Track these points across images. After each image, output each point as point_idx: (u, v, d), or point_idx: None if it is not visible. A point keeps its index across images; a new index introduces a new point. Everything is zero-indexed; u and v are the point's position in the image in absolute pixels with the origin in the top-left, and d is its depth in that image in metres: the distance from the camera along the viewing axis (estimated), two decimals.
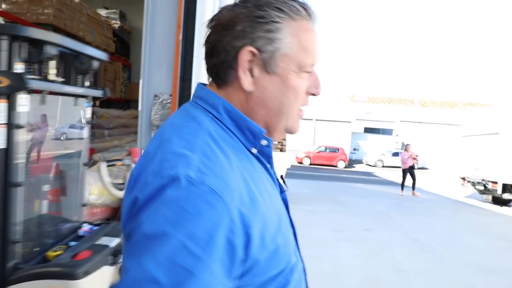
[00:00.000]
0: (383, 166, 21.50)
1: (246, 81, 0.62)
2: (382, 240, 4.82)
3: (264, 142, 0.65)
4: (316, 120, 22.68)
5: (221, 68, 0.63)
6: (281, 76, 0.63)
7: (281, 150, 7.28)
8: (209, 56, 0.65)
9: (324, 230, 5.16)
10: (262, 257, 0.57)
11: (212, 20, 0.65)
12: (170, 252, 0.50)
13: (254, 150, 0.65)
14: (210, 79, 0.67)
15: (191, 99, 0.68)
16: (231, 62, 0.62)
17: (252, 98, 0.63)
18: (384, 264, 3.90)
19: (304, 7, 0.64)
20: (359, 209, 7.25)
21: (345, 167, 20.25)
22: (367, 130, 24.33)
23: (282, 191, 0.72)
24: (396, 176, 17.95)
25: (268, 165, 0.69)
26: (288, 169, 8.51)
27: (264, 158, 0.67)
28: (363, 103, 26.08)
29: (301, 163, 20.25)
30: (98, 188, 3.29)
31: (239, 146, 0.63)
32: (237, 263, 0.54)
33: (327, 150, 20.63)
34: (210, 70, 0.66)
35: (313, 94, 0.68)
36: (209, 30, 0.65)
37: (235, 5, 0.64)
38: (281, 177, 0.81)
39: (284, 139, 7.51)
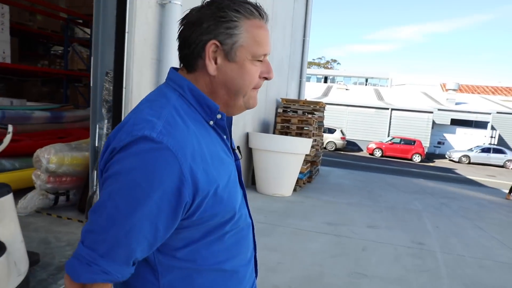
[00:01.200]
0: (469, 163, 18.83)
1: (211, 67, 0.79)
2: (374, 239, 4.18)
3: (218, 116, 0.82)
4: (392, 109, 20.74)
5: (191, 57, 0.80)
6: (238, 63, 0.80)
7: (304, 135, 6.84)
8: (181, 48, 0.82)
9: (317, 221, 4.70)
10: (208, 205, 0.75)
11: (183, 18, 0.82)
12: (129, 186, 0.68)
13: (211, 122, 0.82)
14: (181, 65, 0.84)
15: (165, 81, 0.86)
16: (200, 53, 0.79)
17: (215, 80, 0.81)
18: (343, 265, 3.35)
19: (257, 9, 0.82)
20: (389, 205, 6.45)
21: (421, 161, 18.24)
22: (455, 122, 21.39)
23: (236, 159, 0.91)
24: (481, 175, 15.69)
25: (224, 136, 0.85)
26: (322, 155, 8.01)
27: (220, 129, 0.84)
28: (453, 92, 22.99)
29: (372, 154, 18.88)
30: (57, 158, 3.51)
31: (199, 118, 0.80)
32: (184, 207, 0.71)
33: (402, 142, 18.78)
34: (182, 59, 0.83)
35: (266, 78, 0.88)
36: (181, 27, 0.82)
37: (201, 7, 0.80)
38: (238, 147, 0.95)
39: (317, 125, 7.05)
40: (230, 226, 0.82)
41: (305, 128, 7.08)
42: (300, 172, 6.69)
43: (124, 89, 3.05)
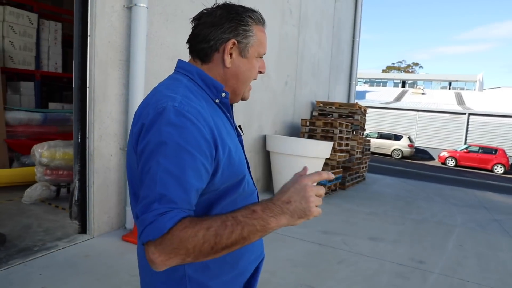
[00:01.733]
0: None
1: (227, 60, 0.95)
2: (364, 253, 3.69)
3: (223, 94, 0.97)
4: (470, 114, 18.34)
5: (209, 50, 0.95)
6: (248, 59, 0.98)
7: (328, 138, 6.41)
8: (199, 42, 0.96)
9: (313, 229, 4.34)
10: (225, 165, 0.87)
11: (199, 18, 0.98)
12: (173, 150, 0.77)
13: (217, 101, 0.96)
14: (191, 56, 1.00)
15: (174, 71, 1.01)
16: (218, 47, 0.95)
17: (229, 72, 0.97)
18: (300, 276, 3.01)
19: (261, 17, 1.00)
20: (420, 217, 5.69)
21: (504, 173, 15.78)
22: None
23: (239, 135, 1.05)
24: None
25: (228, 114, 1.00)
26: (367, 161, 7.45)
27: (224, 107, 0.99)
28: None
29: (444, 163, 16.93)
30: (49, 152, 3.85)
31: (207, 97, 0.94)
32: (212, 159, 0.83)
33: (480, 151, 16.53)
34: (198, 52, 0.97)
35: (261, 72, 1.04)
36: (198, 23, 0.97)
37: (217, 9, 0.97)
38: (239, 126, 1.10)
39: (346, 129, 6.56)
40: (241, 189, 0.95)
41: (329, 131, 6.66)
42: None
43: (88, 89, 3.23)
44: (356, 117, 7.75)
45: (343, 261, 3.45)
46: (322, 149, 5.82)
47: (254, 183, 1.06)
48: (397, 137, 17.75)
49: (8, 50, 5.93)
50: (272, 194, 5.40)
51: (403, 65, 51.06)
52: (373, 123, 20.51)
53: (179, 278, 0.90)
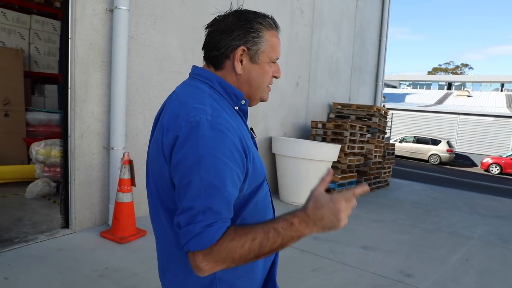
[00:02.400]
0: None
1: (238, 67, 0.97)
2: (347, 262, 3.44)
3: (242, 102, 1.01)
4: None
5: (220, 58, 0.98)
6: (260, 65, 0.99)
7: (338, 141, 6.10)
8: (210, 49, 0.99)
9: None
10: (251, 170, 0.91)
11: (211, 25, 1.00)
12: (212, 163, 0.81)
13: (236, 108, 1.00)
14: (206, 63, 1.03)
15: (189, 77, 1.03)
16: (229, 54, 0.97)
17: (241, 78, 0.99)
18: None
19: (274, 22, 1.01)
20: (433, 227, 5.24)
21: None
22: None
23: (252, 138, 1.07)
24: None
25: (244, 119, 1.03)
26: (391, 166, 7.03)
27: (242, 113, 1.02)
28: None
29: (487, 170, 15.59)
30: (45, 150, 4.03)
31: (227, 104, 0.97)
32: (244, 168, 0.88)
33: None
34: (210, 59, 1.00)
35: (275, 77, 1.05)
36: (210, 31, 1.00)
37: (229, 16, 0.98)
38: (251, 128, 1.12)
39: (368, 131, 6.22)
40: (261, 191, 0.97)
41: (340, 133, 6.36)
42: (332, 182, 6.04)
43: (69, 89, 3.33)
44: (374, 119, 7.35)
45: (319, 269, 3.24)
46: (326, 151, 5.57)
47: (268, 184, 1.10)
48: (435, 142, 16.64)
49: (34, 56, 6.35)
50: (278, 198, 5.20)
51: (451, 67, 47.94)
52: (410, 127, 19.47)
53: (210, 281, 0.94)
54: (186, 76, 3.86)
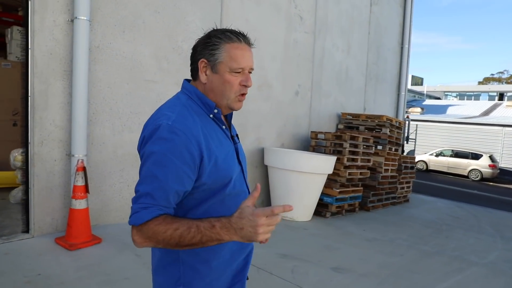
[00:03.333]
0: None
1: (203, 77, 1.12)
2: (303, 284, 3.12)
3: (215, 111, 1.13)
4: None
5: (193, 70, 1.15)
6: (220, 74, 1.10)
7: (337, 153, 5.69)
8: (190, 64, 1.17)
9: (274, 251, 3.83)
10: (212, 171, 1.05)
11: (194, 45, 1.17)
12: (159, 159, 0.98)
13: (211, 116, 1.13)
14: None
15: (180, 89, 1.18)
16: (196, 68, 1.13)
17: (207, 87, 1.13)
18: None
19: (236, 35, 1.11)
20: (434, 250, 4.66)
21: None
22: None
23: (235, 143, 1.20)
24: None
25: (223, 126, 1.15)
26: (409, 181, 6.49)
27: (218, 121, 1.15)
28: None
29: None
30: (22, 157, 4.16)
31: (202, 112, 1.11)
32: (196, 167, 1.02)
33: None
34: (190, 72, 1.18)
35: (245, 85, 1.13)
36: (192, 51, 1.16)
37: (202, 36, 1.15)
38: (236, 135, 1.26)
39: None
40: (229, 190, 1.09)
41: (339, 144, 5.96)
42: (329, 196, 5.66)
43: (29, 97, 3.42)
44: (384, 130, 6.84)
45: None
46: (317, 163, 5.22)
47: (247, 186, 1.21)
48: (475, 156, 15.20)
49: None
50: None
51: (505, 76, 44.16)
52: (449, 140, 18.06)
53: (174, 260, 1.10)
54: (161, 85, 4.01)
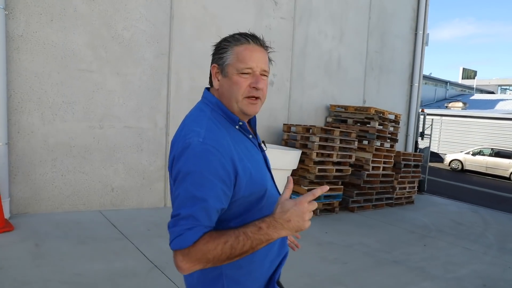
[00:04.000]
0: None
1: (215, 83, 1.10)
2: None
3: (240, 123, 1.10)
4: None
5: (210, 78, 1.14)
6: (229, 77, 1.07)
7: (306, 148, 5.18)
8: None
9: None
10: (248, 185, 1.02)
11: None
12: (197, 178, 0.94)
13: (237, 127, 1.11)
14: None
15: (201, 99, 1.15)
16: (212, 74, 1.12)
17: (219, 92, 1.10)
18: None
19: (244, 36, 1.08)
20: (398, 258, 4.06)
21: None
22: None
23: (262, 151, 1.20)
24: None
25: (250, 136, 1.13)
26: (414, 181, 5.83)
27: (245, 131, 1.12)
28: None
29: None
30: None
31: (228, 124, 1.08)
32: (231, 183, 0.99)
33: None
34: (209, 80, 1.16)
35: (255, 87, 1.06)
36: None
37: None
38: (263, 141, 1.25)
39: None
40: (264, 201, 1.08)
41: (310, 138, 5.47)
42: (297, 193, 5.23)
43: None
44: (372, 123, 6.19)
45: None
46: (276, 159, 4.81)
47: (278, 192, 1.19)
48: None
49: None
50: None
51: None
52: (492, 138, 16.16)
53: (217, 276, 1.06)
54: (98, 75, 3.93)
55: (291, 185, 0.99)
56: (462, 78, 31.52)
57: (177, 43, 4.88)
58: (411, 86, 8.75)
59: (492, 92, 28.87)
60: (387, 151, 6.53)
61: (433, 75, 25.61)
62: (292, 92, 6.26)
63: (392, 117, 6.64)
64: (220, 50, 1.08)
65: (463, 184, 12.27)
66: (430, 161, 16.66)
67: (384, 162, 6.51)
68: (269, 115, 5.97)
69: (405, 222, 5.78)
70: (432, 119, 11.17)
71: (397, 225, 5.58)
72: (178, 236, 0.92)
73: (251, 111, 1.08)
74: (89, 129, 4.32)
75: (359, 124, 6.42)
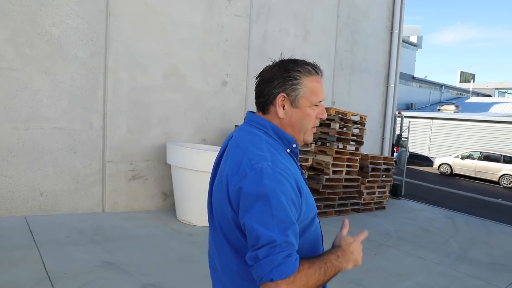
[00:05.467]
0: None
1: (280, 112, 1.07)
2: None
3: (294, 145, 1.11)
4: None
5: (265, 104, 1.08)
6: (301, 109, 1.06)
7: None
8: (258, 97, 1.11)
9: (96, 257, 3.28)
10: (304, 207, 1.01)
11: (259, 75, 1.11)
12: (279, 202, 0.91)
13: (288, 150, 1.10)
14: (257, 109, 1.13)
15: (244, 122, 1.14)
16: (272, 101, 1.07)
17: (284, 121, 1.08)
18: None
19: (314, 68, 1.08)
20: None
21: None
22: None
23: (302, 173, 1.15)
24: None
25: (295, 159, 1.13)
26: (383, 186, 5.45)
27: (294, 155, 1.12)
28: None
29: None
30: None
31: (281, 147, 1.07)
32: (299, 205, 0.97)
33: None
34: (258, 105, 1.11)
35: (321, 118, 1.11)
36: (257, 81, 1.11)
37: (273, 67, 1.09)
38: (301, 165, 1.39)
39: None
40: (314, 226, 1.07)
41: None
42: None
43: None
44: (333, 125, 5.87)
45: None
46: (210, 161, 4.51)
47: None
48: (509, 159, 12.91)
49: None
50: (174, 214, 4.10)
51: None
52: (483, 141, 15.67)
53: None
54: (22, 73, 3.68)
55: (346, 222, 1.07)
56: (460, 82, 31.02)
57: (115, 41, 4.63)
58: (387, 87, 8.42)
59: (489, 95, 28.35)
60: (352, 154, 6.21)
61: (433, 79, 25.29)
62: (249, 92, 5.97)
63: (357, 118, 6.32)
64: (292, 80, 1.04)
65: (448, 189, 11.83)
66: (420, 165, 16.27)
67: (348, 166, 6.19)
68: (222, 116, 5.68)
69: (366, 229, 5.42)
70: (409, 121, 10.79)
71: (356, 232, 5.23)
72: (278, 265, 0.87)
73: (311, 140, 1.13)
74: (13, 131, 4.07)
75: (322, 126, 6.11)
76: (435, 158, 15.79)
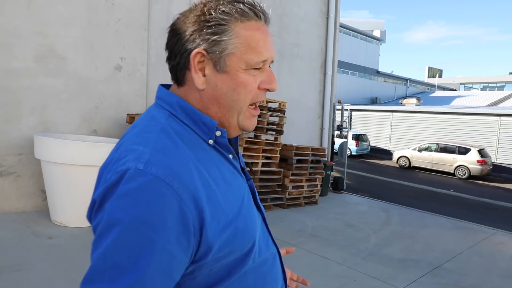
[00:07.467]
0: None
1: (198, 80, 0.65)
2: None
3: (218, 133, 0.67)
4: None
5: (178, 69, 0.67)
6: (230, 74, 0.65)
7: None
8: (169, 59, 0.69)
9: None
10: (217, 234, 0.58)
11: (171, 25, 0.69)
12: (129, 235, 0.53)
13: (211, 141, 0.67)
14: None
15: (155, 101, 0.72)
16: (186, 64, 0.65)
17: (206, 95, 0.66)
18: None
19: (252, 8, 0.65)
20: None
21: None
22: None
23: (248, 179, 0.75)
24: None
25: (229, 155, 0.69)
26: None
27: (223, 148, 0.68)
28: None
29: None
30: None
31: (196, 139, 0.65)
32: (192, 240, 0.56)
33: None
34: (171, 72, 0.70)
35: (268, 90, 0.69)
36: (168, 35, 0.70)
37: (187, 10, 0.67)
38: (247, 165, 0.80)
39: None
40: (252, 259, 0.66)
41: None
42: None
43: None
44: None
45: None
46: (101, 155, 3.83)
47: (274, 241, 0.76)
48: (463, 151, 12.67)
49: None
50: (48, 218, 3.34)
51: None
52: (441, 133, 15.51)
53: None
54: None
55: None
56: (428, 77, 31.26)
57: None
58: (325, 74, 7.92)
59: (454, 90, 28.61)
60: (270, 144, 5.64)
61: (404, 75, 25.21)
62: (150, 78, 5.31)
63: (275, 105, 5.75)
64: (213, 26, 0.62)
65: (402, 182, 11.45)
66: (380, 159, 15.93)
67: (267, 158, 5.62)
68: (117, 104, 5.01)
69: (279, 226, 4.86)
70: (351, 110, 10.37)
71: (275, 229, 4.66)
72: None
73: (251, 126, 0.71)
74: None
75: None
76: (394, 151, 15.52)
